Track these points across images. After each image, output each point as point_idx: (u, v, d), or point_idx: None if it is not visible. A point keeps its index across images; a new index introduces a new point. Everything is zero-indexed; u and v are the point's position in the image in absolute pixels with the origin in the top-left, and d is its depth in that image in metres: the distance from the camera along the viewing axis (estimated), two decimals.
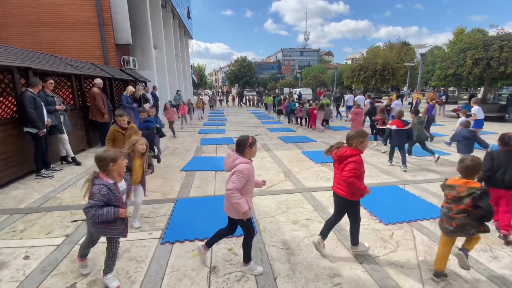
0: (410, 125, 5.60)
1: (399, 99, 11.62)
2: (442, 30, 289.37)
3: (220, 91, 38.52)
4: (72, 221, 3.28)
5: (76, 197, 4.01)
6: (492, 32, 13.96)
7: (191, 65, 36.12)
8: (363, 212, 3.55)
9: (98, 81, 7.18)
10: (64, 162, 5.74)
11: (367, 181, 4.69)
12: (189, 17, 26.50)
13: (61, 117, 5.51)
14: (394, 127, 5.46)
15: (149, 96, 10.88)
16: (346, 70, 30.32)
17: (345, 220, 3.32)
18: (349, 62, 70.72)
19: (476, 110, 6.97)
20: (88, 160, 6.06)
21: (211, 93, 38.43)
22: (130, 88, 8.65)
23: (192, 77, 34.03)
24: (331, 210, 3.58)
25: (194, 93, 40.43)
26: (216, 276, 2.33)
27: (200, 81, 55.40)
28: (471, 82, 15.94)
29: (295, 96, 21.46)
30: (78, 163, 5.67)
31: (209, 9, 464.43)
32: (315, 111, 10.48)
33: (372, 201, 3.85)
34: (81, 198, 3.89)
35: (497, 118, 12.97)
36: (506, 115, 13.17)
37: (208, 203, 3.81)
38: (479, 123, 6.94)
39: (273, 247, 2.77)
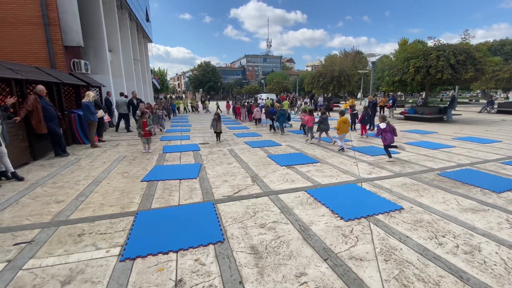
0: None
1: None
2: (387, 40, 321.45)
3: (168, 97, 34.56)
4: (14, 244, 2.90)
5: (18, 217, 3.56)
6: (430, 43, 15.67)
7: (151, 69, 34.64)
8: (325, 210, 3.73)
9: (39, 88, 6.47)
10: (3, 178, 5.06)
11: (329, 180, 4.99)
12: (148, 19, 25.49)
13: None
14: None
15: (119, 100, 10.96)
16: (307, 77, 31.76)
17: (309, 220, 3.46)
18: (309, 69, 74.13)
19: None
20: (32, 174, 5.42)
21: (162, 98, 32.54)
22: (92, 94, 8.00)
23: (153, 81, 32.60)
24: (297, 211, 3.70)
25: (156, 98, 38.05)
26: None
27: (161, 86, 53.37)
28: (414, 87, 17.79)
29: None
30: (20, 179, 5.04)
31: (166, 12, 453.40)
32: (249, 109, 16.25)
33: (333, 199, 4.07)
34: (24, 218, 3.50)
35: (436, 119, 14.70)
36: (444, 117, 14.99)
37: (172, 214, 3.65)
38: None
39: (241, 253, 2.76)
